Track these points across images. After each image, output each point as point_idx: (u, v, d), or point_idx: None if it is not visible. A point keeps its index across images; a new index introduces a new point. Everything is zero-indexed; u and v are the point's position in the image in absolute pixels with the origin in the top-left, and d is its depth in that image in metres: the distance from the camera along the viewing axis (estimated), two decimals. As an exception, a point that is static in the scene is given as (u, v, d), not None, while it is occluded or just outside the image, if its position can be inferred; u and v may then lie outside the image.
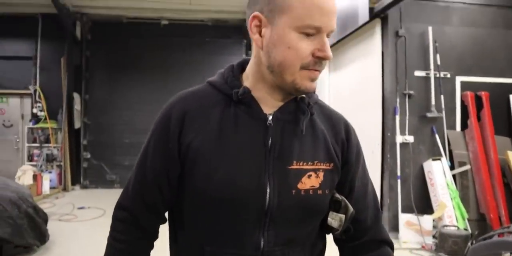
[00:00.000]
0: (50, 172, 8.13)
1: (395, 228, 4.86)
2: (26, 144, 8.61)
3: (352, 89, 6.07)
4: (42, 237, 4.34)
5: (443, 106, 5.06)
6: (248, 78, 0.96)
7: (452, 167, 4.97)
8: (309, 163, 0.92)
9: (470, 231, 4.46)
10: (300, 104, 0.95)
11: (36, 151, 8.55)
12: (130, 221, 1.00)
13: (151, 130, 0.99)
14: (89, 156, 8.88)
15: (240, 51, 9.28)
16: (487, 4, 5.33)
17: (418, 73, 5.15)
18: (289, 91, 0.91)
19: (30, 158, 8.59)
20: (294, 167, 0.91)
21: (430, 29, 5.11)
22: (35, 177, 7.43)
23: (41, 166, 8.28)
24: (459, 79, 5.21)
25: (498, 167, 4.86)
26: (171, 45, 9.00)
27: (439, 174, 4.80)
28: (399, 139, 5.01)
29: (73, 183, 8.57)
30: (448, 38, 5.21)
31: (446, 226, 4.43)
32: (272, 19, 0.86)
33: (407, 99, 5.08)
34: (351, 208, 0.95)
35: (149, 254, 1.04)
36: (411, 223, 4.72)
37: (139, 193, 0.99)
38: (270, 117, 0.92)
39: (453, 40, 5.23)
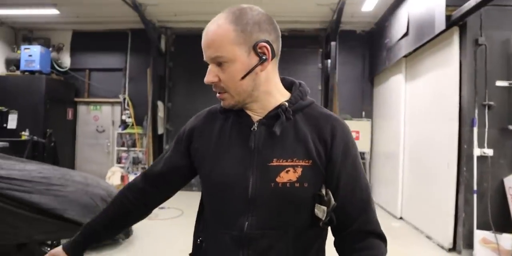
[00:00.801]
0: (135, 174, 8.78)
1: (470, 245, 4.65)
2: (116, 148, 9.39)
3: (428, 99, 5.91)
4: (127, 231, 4.76)
5: (527, 118, 4.77)
6: None
7: (536, 183, 4.66)
8: (288, 160, 1.10)
9: (555, 252, 4.16)
10: (277, 111, 1.15)
11: (124, 154, 9.29)
12: (140, 180, 1.36)
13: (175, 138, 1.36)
14: (170, 160, 9.45)
15: (316, 60, 9.38)
16: None
17: (500, 83, 4.91)
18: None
19: (119, 160, 9.34)
20: (274, 164, 1.10)
21: (514, 36, 4.87)
22: (122, 177, 8.09)
23: (128, 168, 8.98)
24: (546, 89, 4.89)
25: None
26: (248, 55, 9.33)
27: (521, 190, 4.53)
28: (477, 152, 4.80)
29: (155, 185, 9.14)
30: (534, 46, 4.92)
31: (527, 245, 4.17)
32: None
33: (486, 110, 4.86)
34: (333, 202, 1.10)
35: (134, 205, 1.37)
36: (487, 241, 4.50)
37: (150, 169, 1.35)
38: (256, 124, 1.15)
39: (540, 48, 4.93)
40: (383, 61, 7.90)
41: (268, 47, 1.09)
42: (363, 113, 9.20)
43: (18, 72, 8.72)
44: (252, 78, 1.10)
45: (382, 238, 1.15)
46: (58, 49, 9.42)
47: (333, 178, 1.13)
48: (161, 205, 7.25)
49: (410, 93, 6.79)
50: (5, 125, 8.41)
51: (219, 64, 1.10)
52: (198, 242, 1.26)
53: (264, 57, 1.09)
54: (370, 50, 9.12)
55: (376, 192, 8.63)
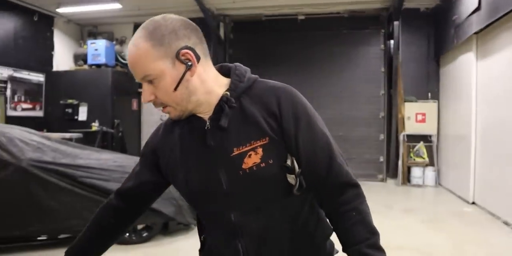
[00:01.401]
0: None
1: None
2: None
3: (505, 76, 5.53)
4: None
5: None
6: None
7: None
8: (246, 145, 1.11)
9: None
10: (220, 104, 1.14)
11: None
12: (108, 205, 1.39)
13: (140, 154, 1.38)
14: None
15: (378, 41, 9.09)
16: None
17: None
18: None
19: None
20: (236, 153, 1.12)
21: None
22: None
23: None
24: None
25: None
26: (309, 39, 9.22)
27: None
28: None
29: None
30: None
31: None
32: None
33: None
34: (297, 168, 1.13)
35: (106, 233, 1.39)
36: None
37: (122, 185, 1.38)
38: (208, 122, 1.15)
39: None
40: (451, 40, 7.48)
41: (190, 52, 1.09)
42: (429, 94, 8.80)
43: (85, 66, 9.16)
44: (185, 86, 1.10)
45: (356, 186, 1.17)
46: (121, 42, 9.77)
47: (291, 145, 1.13)
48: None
49: (483, 73, 6.39)
50: (76, 117, 8.91)
51: (150, 81, 1.10)
52: (202, 239, 1.35)
53: (189, 63, 1.09)
54: (436, 29, 8.65)
55: (444, 176, 8.30)
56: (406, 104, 8.66)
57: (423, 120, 8.58)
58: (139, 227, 4.48)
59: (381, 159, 9.10)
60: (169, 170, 1.24)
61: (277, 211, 1.17)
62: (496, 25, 5.75)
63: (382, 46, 9.02)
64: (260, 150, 1.12)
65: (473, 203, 6.54)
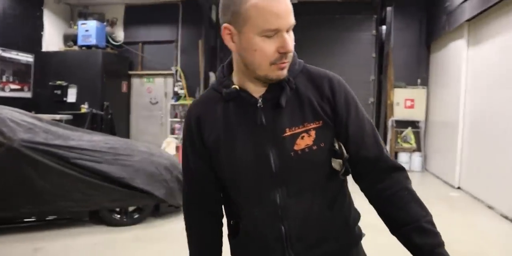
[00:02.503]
0: (189, 144, 9.01)
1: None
2: (169, 119, 9.65)
3: (496, 64, 5.60)
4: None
5: None
6: (235, 74, 1.18)
7: None
8: (300, 127, 1.11)
9: None
10: (281, 83, 1.12)
11: (177, 125, 9.54)
12: (196, 206, 1.29)
13: (182, 136, 1.26)
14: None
15: (370, 26, 9.10)
16: None
17: None
18: (264, 81, 1.12)
19: (172, 131, 9.61)
20: (288, 134, 1.11)
21: None
22: (177, 148, 8.34)
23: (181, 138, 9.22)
24: None
25: None
26: (301, 23, 8.98)
27: None
28: (549, 119, 4.56)
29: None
30: None
31: None
32: (239, 28, 1.05)
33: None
34: (345, 154, 1.14)
35: (217, 230, 1.32)
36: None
37: (192, 186, 1.28)
38: (260, 100, 1.13)
39: None
40: (443, 26, 7.51)
41: None
42: (419, 80, 8.87)
43: (75, 47, 9.04)
44: None
45: (402, 169, 1.19)
46: (112, 24, 9.64)
47: (341, 130, 1.16)
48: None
49: (473, 60, 6.45)
50: (65, 99, 8.83)
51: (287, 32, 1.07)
52: (232, 223, 1.27)
53: None
54: (428, 15, 8.67)
55: (430, 161, 8.45)
56: (396, 89, 8.74)
57: (411, 106, 8.67)
58: (131, 209, 4.52)
59: (370, 144, 9.18)
60: (213, 146, 1.18)
61: (319, 195, 1.18)
62: (488, 13, 5.79)
63: (374, 31, 9.02)
64: (313, 133, 1.12)
65: (459, 188, 6.69)
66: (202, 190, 1.26)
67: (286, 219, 1.14)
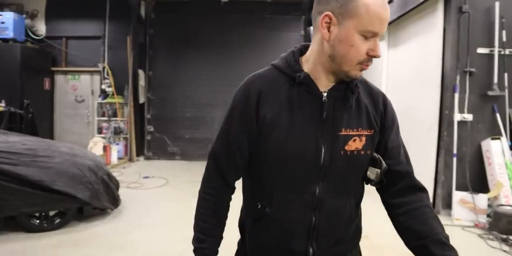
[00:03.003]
0: (117, 144, 8.76)
1: (449, 205, 4.88)
2: (96, 118, 9.28)
3: (411, 65, 5.99)
4: (115, 201, 4.80)
5: (506, 84, 4.91)
6: (308, 62, 1.20)
7: (512, 147, 4.87)
8: (354, 130, 1.19)
9: (527, 211, 4.41)
10: (350, 85, 1.19)
11: (104, 124, 9.20)
12: (219, 179, 1.29)
13: (232, 105, 1.24)
14: (152, 129, 9.43)
15: (298, 27, 9.31)
16: (562, -25, 5.02)
17: (481, 50, 5.00)
18: (341, 77, 1.16)
19: (99, 131, 9.26)
20: (343, 133, 1.18)
21: (497, 4, 4.91)
22: (104, 148, 8.06)
23: (109, 138, 8.92)
24: (525, 56, 5.02)
25: None
26: (231, 22, 9.21)
27: (498, 154, 4.73)
28: (457, 117, 4.95)
29: (138, 155, 9.18)
30: (515, 13, 5.00)
31: (502, 205, 4.40)
32: (342, 21, 1.08)
33: (467, 77, 4.98)
34: (384, 164, 1.22)
35: (229, 204, 1.34)
36: (465, 201, 4.73)
37: (229, 156, 1.26)
38: (325, 94, 1.17)
39: (521, 15, 5.01)
40: (366, 28, 7.88)
41: None
42: (345, 80, 9.22)
43: (-10, 40, 8.39)
44: None
45: (425, 190, 1.30)
46: (32, 16, 9.05)
47: (381, 143, 1.26)
48: (145, 175, 7.30)
49: (393, 61, 6.85)
50: (-21, 96, 8.18)
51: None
52: (259, 207, 1.26)
53: None
54: (352, 17, 9.04)
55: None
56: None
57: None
58: (51, 213, 4.30)
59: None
60: (267, 124, 1.17)
61: (352, 198, 1.27)
62: (405, 17, 6.17)
63: (303, 32, 9.26)
64: (364, 139, 1.20)
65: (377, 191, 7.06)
66: (233, 161, 1.26)
67: (319, 211, 1.21)
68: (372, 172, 1.23)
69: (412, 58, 5.98)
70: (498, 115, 4.93)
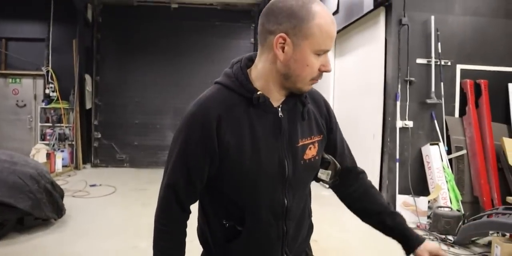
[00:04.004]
0: (62, 151, 8.43)
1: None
2: (39, 124, 8.90)
3: (356, 74, 6.24)
4: (59, 211, 4.63)
5: (442, 92, 5.23)
6: (258, 79, 1.20)
7: (449, 152, 5.18)
8: (308, 139, 1.26)
9: (463, 212, 4.70)
10: (300, 98, 1.25)
11: (48, 131, 8.84)
12: (179, 209, 1.25)
13: (184, 135, 1.19)
14: (99, 136, 9.16)
15: (249, 35, 9.43)
16: (490, -7, 5.44)
17: (420, 61, 5.31)
18: (294, 92, 1.21)
19: (43, 137, 8.89)
20: (300, 144, 1.24)
21: (432, 18, 5.24)
22: (48, 155, 7.73)
23: (53, 145, 8.58)
24: (459, 67, 5.37)
25: (493, 153, 5.06)
26: (181, 28, 9.17)
27: (436, 158, 5.02)
28: (399, 124, 5.22)
29: (84, 162, 8.88)
30: (449, 27, 5.34)
31: (440, 207, 4.67)
32: (296, 41, 1.10)
33: (408, 86, 5.26)
34: (338, 165, 1.35)
35: (186, 229, 1.30)
36: (407, 204, 4.97)
37: (188, 185, 1.22)
38: (279, 110, 1.21)
39: (454, 29, 5.36)
40: (314, 37, 8.11)
41: None
42: (294, 87, 9.44)
43: None
44: None
45: (364, 171, 1.49)
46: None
47: (331, 143, 1.37)
48: (92, 183, 7.09)
49: (340, 70, 7.10)
50: None
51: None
52: (227, 226, 1.26)
53: None
54: (301, 26, 9.29)
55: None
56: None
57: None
58: (-11, 224, 4.08)
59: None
60: (231, 149, 1.16)
61: (306, 198, 1.37)
62: (350, 28, 6.43)
63: (252, 40, 9.39)
64: (316, 145, 1.28)
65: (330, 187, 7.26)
66: (193, 189, 1.23)
67: (288, 220, 1.27)
68: (323, 173, 1.33)
69: (357, 68, 6.24)
70: (436, 122, 5.24)
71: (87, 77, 8.84)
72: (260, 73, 1.20)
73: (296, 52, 1.11)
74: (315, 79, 1.17)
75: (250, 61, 1.26)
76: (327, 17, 1.10)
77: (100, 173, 8.42)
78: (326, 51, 1.13)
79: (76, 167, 8.63)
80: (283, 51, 1.12)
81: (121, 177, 7.94)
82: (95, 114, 9.18)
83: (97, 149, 9.19)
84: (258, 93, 1.17)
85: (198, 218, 1.36)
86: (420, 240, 1.34)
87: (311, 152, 1.26)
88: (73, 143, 8.73)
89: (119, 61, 9.12)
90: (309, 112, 1.28)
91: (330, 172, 1.32)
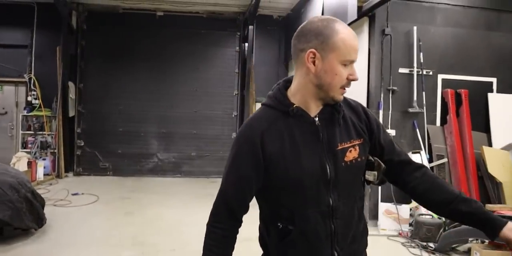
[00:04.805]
0: (44, 159, 8.31)
1: (375, 216, 5.15)
2: (21, 132, 8.77)
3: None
4: (40, 220, 4.55)
5: (424, 102, 5.33)
6: (295, 95, 1.39)
7: (430, 160, 5.26)
8: (347, 142, 1.39)
9: (443, 219, 4.76)
10: (335, 106, 1.40)
11: (30, 139, 8.71)
12: (228, 214, 1.41)
13: (236, 148, 1.40)
14: (82, 144, 9.06)
15: (234, 43, 9.47)
16: (470, 5, 5.59)
17: (402, 70, 5.40)
18: (328, 101, 1.38)
19: (24, 145, 8.75)
20: (340, 148, 1.38)
21: (415, 28, 5.36)
22: (29, 164, 7.61)
23: (35, 153, 8.45)
24: (440, 77, 5.49)
25: (474, 161, 5.16)
26: (167, 36, 9.17)
27: (418, 167, 5.08)
28: (382, 132, 5.27)
29: (67, 170, 8.75)
30: (431, 37, 5.47)
31: (422, 215, 4.72)
32: (324, 55, 1.29)
33: (390, 95, 5.34)
34: (382, 166, 1.45)
35: (236, 237, 1.46)
36: (389, 212, 5.01)
37: (237, 193, 1.41)
38: (316, 119, 1.38)
39: (436, 40, 5.49)
40: (298, 47, 8.19)
41: None
42: (279, 96, 9.50)
43: None
44: None
45: (424, 166, 1.55)
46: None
47: (376, 145, 1.48)
48: (74, 191, 7.00)
49: (323, 78, 7.16)
50: None
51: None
52: (281, 227, 1.40)
53: None
54: (286, 35, 9.39)
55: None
56: (257, 104, 9.22)
57: (272, 120, 9.20)
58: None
59: (234, 156, 9.48)
60: (274, 159, 1.34)
61: (357, 200, 1.45)
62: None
63: (238, 48, 9.44)
64: (357, 148, 1.40)
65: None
66: (242, 197, 1.40)
67: (335, 218, 1.37)
68: (370, 175, 1.45)
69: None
70: (418, 131, 5.32)
71: (71, 85, 8.75)
72: (296, 89, 1.39)
73: (325, 64, 1.29)
74: (344, 87, 1.33)
75: (288, 82, 1.45)
76: (349, 33, 1.30)
77: (82, 181, 8.30)
78: (351, 62, 1.31)
79: (58, 176, 8.49)
80: (314, 65, 1.31)
81: (104, 186, 7.84)
82: (78, 122, 9.08)
83: (79, 157, 9.08)
84: (294, 106, 1.36)
85: (259, 226, 1.52)
86: (503, 222, 1.36)
87: (352, 155, 1.39)
88: (55, 151, 8.61)
89: (103, 69, 9.06)
90: (346, 118, 1.42)
91: (376, 172, 1.44)
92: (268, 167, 1.35)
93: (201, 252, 1.41)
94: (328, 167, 1.35)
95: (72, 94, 8.79)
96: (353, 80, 1.33)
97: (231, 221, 1.42)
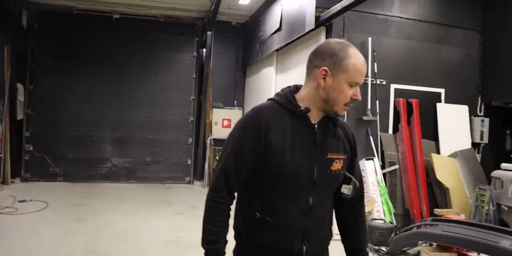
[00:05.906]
0: (-11, 165, 7.88)
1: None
2: (-37, 135, 8.28)
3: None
4: (-16, 228, 4.31)
5: (378, 110, 5.53)
6: (302, 101, 1.56)
7: (383, 166, 5.45)
8: (336, 154, 1.57)
9: (395, 224, 4.94)
10: (332, 120, 1.59)
11: (-26, 142, 8.23)
12: (227, 190, 1.53)
13: (242, 128, 1.54)
14: (31, 148, 8.65)
15: (192, 48, 9.43)
16: (422, 19, 5.88)
17: (357, 80, 5.57)
18: (331, 114, 1.55)
19: (-33, 149, 8.26)
20: (329, 156, 1.56)
21: (369, 39, 5.56)
22: (-28, 169, 7.19)
23: (-22, 158, 7.99)
24: (393, 86, 5.72)
25: (423, 168, 5.40)
26: (123, 39, 8.98)
27: (371, 173, 5.25)
28: (337, 139, 5.41)
29: (13, 176, 8.33)
30: (385, 49, 5.69)
31: (375, 219, 4.87)
32: (335, 74, 1.47)
33: (346, 103, 5.49)
34: (357, 182, 1.66)
35: (230, 212, 1.57)
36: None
37: (237, 171, 1.53)
38: (316, 126, 1.54)
39: (389, 51, 5.72)
40: (256, 54, 8.29)
41: None
42: (235, 102, 9.61)
43: None
44: None
45: (363, 200, 1.80)
46: None
47: (351, 166, 1.68)
48: (21, 198, 6.69)
49: (281, 85, 7.25)
50: None
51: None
52: (259, 217, 1.53)
53: None
54: (244, 42, 9.47)
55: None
56: (214, 110, 9.25)
57: (228, 126, 9.22)
58: None
59: (189, 161, 9.42)
60: (272, 149, 1.48)
61: (331, 205, 1.66)
62: (292, 45, 6.63)
63: (195, 53, 9.39)
64: (341, 161, 1.58)
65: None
66: (240, 175, 1.52)
67: (310, 217, 1.54)
68: (345, 188, 1.63)
69: (298, 84, 6.41)
70: (371, 138, 5.50)
71: (19, 86, 8.37)
72: (304, 97, 1.56)
73: (334, 82, 1.47)
74: (347, 104, 1.51)
75: (297, 89, 1.63)
76: (360, 59, 1.48)
77: (30, 188, 7.92)
78: (357, 84, 1.49)
79: (4, 182, 8.06)
80: (324, 81, 1.48)
81: (54, 192, 7.53)
82: (27, 125, 8.67)
83: (28, 162, 8.66)
84: (302, 107, 1.53)
85: (234, 215, 1.62)
86: None
87: (337, 165, 1.57)
88: (1, 156, 8.18)
89: (55, 71, 8.73)
90: (339, 133, 1.61)
91: (351, 187, 1.63)
92: (265, 154, 1.49)
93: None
94: (316, 170, 1.52)
95: (20, 96, 8.40)
96: (356, 100, 1.50)
97: (230, 197, 1.54)
